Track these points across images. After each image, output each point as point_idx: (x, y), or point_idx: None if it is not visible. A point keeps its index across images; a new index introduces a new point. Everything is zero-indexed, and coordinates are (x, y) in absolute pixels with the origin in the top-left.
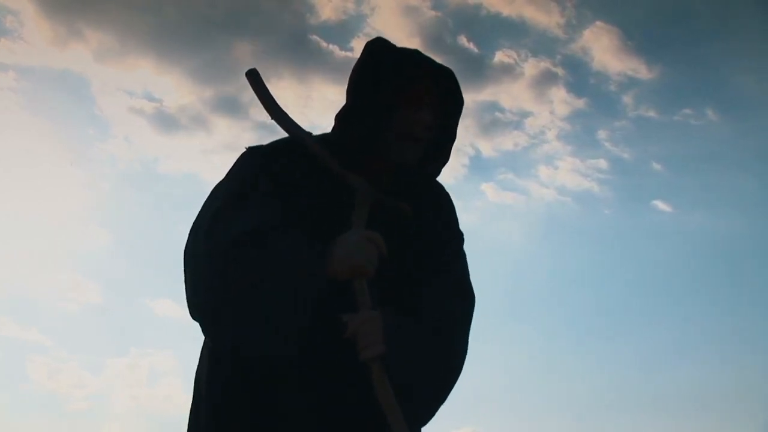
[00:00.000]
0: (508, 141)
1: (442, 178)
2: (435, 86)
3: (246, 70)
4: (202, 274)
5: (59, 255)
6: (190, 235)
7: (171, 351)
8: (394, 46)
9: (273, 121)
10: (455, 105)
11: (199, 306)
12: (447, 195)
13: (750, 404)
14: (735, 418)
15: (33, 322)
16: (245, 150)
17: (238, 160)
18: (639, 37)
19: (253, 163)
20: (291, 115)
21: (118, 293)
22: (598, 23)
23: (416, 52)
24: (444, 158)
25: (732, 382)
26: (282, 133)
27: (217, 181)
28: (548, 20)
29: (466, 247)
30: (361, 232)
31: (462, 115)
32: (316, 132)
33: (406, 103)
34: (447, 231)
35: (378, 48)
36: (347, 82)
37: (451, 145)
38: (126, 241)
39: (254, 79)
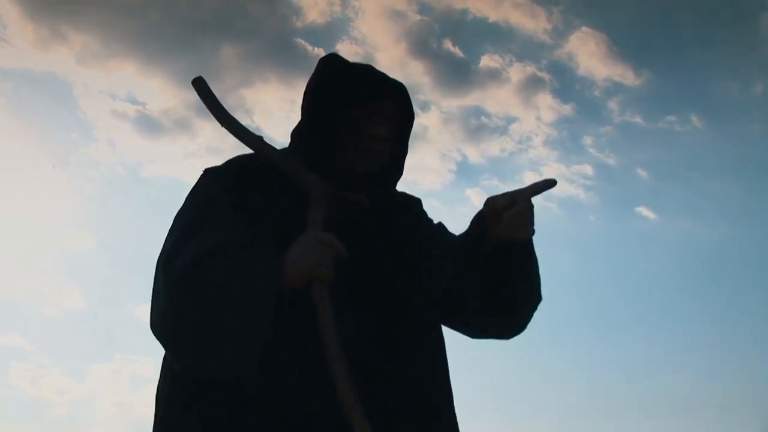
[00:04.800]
0: (495, 146)
1: (429, 184)
2: (389, 101)
3: (192, 79)
4: (159, 304)
5: (42, 259)
6: (155, 269)
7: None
8: (347, 62)
9: (224, 128)
10: (407, 119)
11: (158, 334)
12: (415, 198)
13: (737, 410)
14: (722, 424)
15: (15, 327)
16: (203, 172)
17: (196, 183)
18: (625, 43)
19: (210, 184)
20: (273, 124)
21: (101, 298)
22: (585, 29)
23: (369, 67)
24: (398, 171)
25: (718, 388)
26: (244, 149)
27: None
28: (534, 25)
29: None
30: (314, 236)
31: (448, 120)
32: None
33: (362, 117)
34: (421, 226)
35: (331, 64)
36: (302, 99)
37: (404, 159)
38: (110, 245)
39: (200, 87)
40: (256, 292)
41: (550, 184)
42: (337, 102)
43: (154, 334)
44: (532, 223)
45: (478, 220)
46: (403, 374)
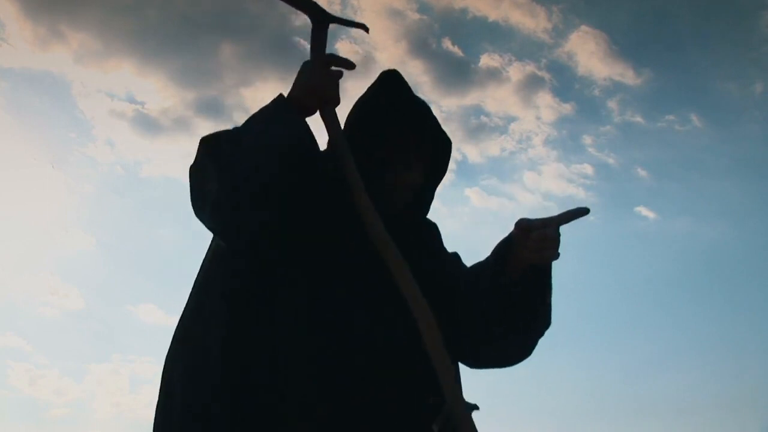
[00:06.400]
0: (494, 146)
1: None
2: (428, 144)
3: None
4: (200, 174)
5: (40, 259)
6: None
7: (154, 357)
8: (405, 88)
9: None
10: (441, 169)
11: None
12: (432, 222)
13: (737, 410)
14: (722, 424)
15: (13, 327)
16: None
17: None
18: (624, 42)
19: None
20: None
21: (100, 298)
22: (584, 28)
23: (425, 107)
24: (423, 211)
25: (718, 388)
26: None
27: None
28: (534, 24)
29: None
30: (316, 57)
31: (447, 120)
32: None
33: (397, 155)
34: (427, 228)
35: (389, 92)
36: (352, 109)
37: (429, 204)
38: (108, 245)
39: None
40: (278, 116)
41: (582, 212)
42: (378, 139)
43: (203, 208)
44: (557, 248)
45: (505, 242)
46: (425, 387)
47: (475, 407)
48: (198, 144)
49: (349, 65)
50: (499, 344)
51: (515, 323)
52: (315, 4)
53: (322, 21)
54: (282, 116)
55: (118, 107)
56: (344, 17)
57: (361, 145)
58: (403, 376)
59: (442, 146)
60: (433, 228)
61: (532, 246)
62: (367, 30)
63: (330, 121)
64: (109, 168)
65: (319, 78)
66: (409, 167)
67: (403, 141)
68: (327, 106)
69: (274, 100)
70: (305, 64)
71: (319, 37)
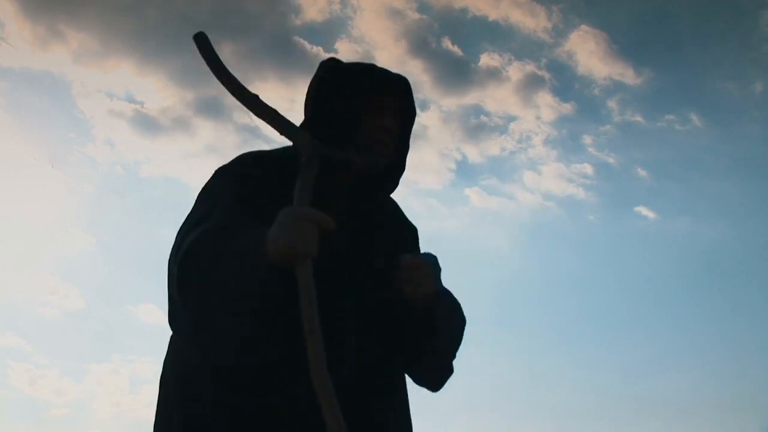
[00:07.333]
0: (494, 146)
1: (429, 183)
2: (392, 96)
3: (194, 35)
4: (169, 294)
5: (40, 259)
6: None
7: (154, 357)
8: (348, 63)
9: (224, 86)
10: (410, 115)
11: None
12: (412, 225)
13: (737, 410)
14: (722, 424)
15: (13, 327)
16: (214, 171)
17: (206, 183)
18: (624, 42)
19: (218, 181)
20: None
21: (100, 298)
22: (584, 27)
23: (372, 65)
24: (401, 169)
25: (718, 388)
26: (248, 147)
27: (199, 185)
28: (534, 24)
29: (449, 252)
30: (297, 210)
31: (447, 119)
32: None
33: (367, 111)
34: (406, 228)
35: (334, 64)
36: (305, 98)
37: (406, 156)
38: (108, 245)
39: (202, 44)
40: (246, 273)
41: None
42: (342, 97)
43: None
44: (433, 281)
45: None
46: (372, 382)
47: None
48: (178, 263)
49: (329, 226)
50: (413, 368)
51: (413, 352)
52: (309, 139)
53: (311, 159)
54: (257, 278)
55: (118, 107)
56: (333, 151)
57: (329, 107)
58: None
59: (404, 92)
60: (413, 231)
61: (405, 284)
62: (359, 164)
63: (302, 276)
64: (108, 168)
65: (294, 236)
66: (381, 115)
67: (370, 97)
68: (302, 262)
69: (253, 250)
70: (284, 213)
71: (306, 178)
